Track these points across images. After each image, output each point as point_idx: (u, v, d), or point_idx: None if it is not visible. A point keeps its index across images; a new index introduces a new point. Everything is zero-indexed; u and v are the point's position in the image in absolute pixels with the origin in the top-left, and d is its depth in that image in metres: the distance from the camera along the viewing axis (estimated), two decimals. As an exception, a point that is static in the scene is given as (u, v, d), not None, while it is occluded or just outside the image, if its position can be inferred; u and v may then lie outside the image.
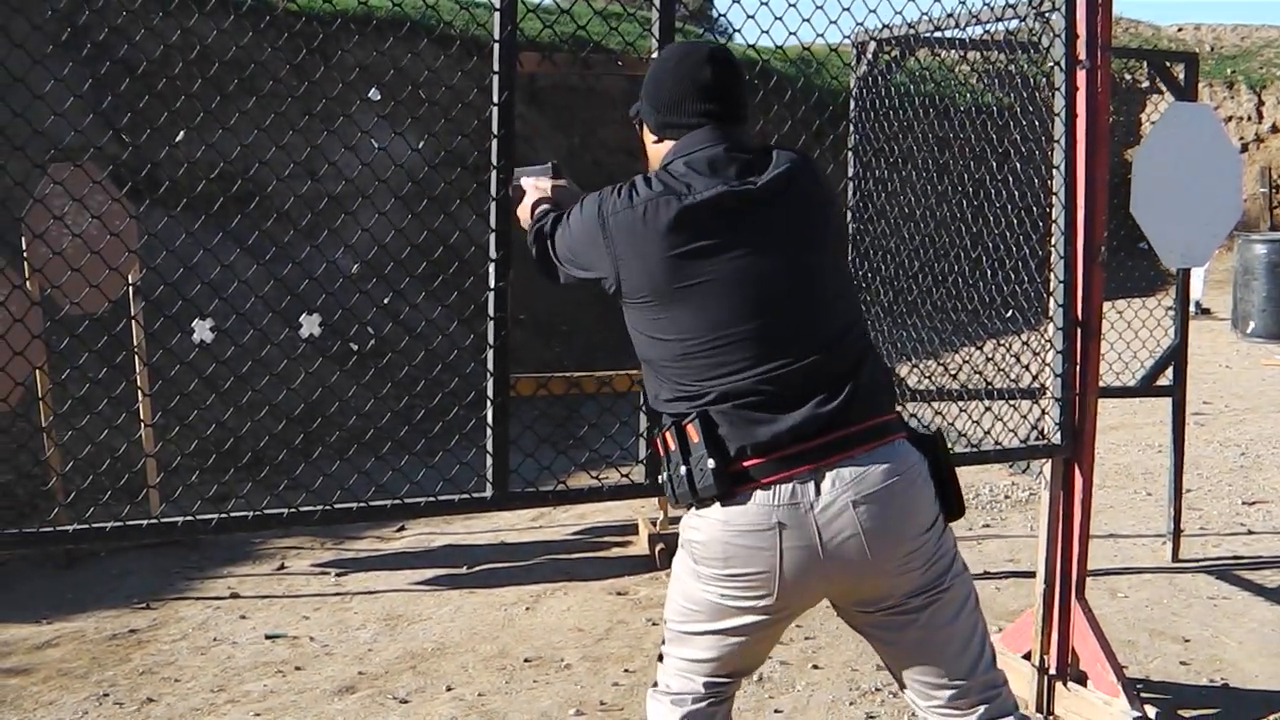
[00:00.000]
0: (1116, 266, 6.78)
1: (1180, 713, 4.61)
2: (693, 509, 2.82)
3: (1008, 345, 4.64)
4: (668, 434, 2.81)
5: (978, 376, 4.75)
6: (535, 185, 3.29)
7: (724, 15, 19.70)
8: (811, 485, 2.70)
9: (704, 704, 2.98)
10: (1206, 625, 5.45)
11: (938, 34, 5.03)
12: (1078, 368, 4.22)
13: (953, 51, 5.26)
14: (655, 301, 2.82)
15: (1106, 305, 6.32)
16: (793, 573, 2.73)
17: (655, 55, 3.59)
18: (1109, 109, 4.35)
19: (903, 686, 2.99)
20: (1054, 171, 4.17)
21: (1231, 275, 15.32)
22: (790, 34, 3.96)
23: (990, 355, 4.77)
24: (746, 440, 2.72)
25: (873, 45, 5.43)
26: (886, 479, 2.72)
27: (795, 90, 4.24)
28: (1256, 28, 27.89)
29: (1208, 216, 5.67)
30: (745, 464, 2.72)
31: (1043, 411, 4.31)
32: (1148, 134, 5.67)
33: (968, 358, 4.92)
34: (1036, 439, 4.27)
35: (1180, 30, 27.79)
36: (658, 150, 3.00)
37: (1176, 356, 6.17)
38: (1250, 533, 6.90)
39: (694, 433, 2.75)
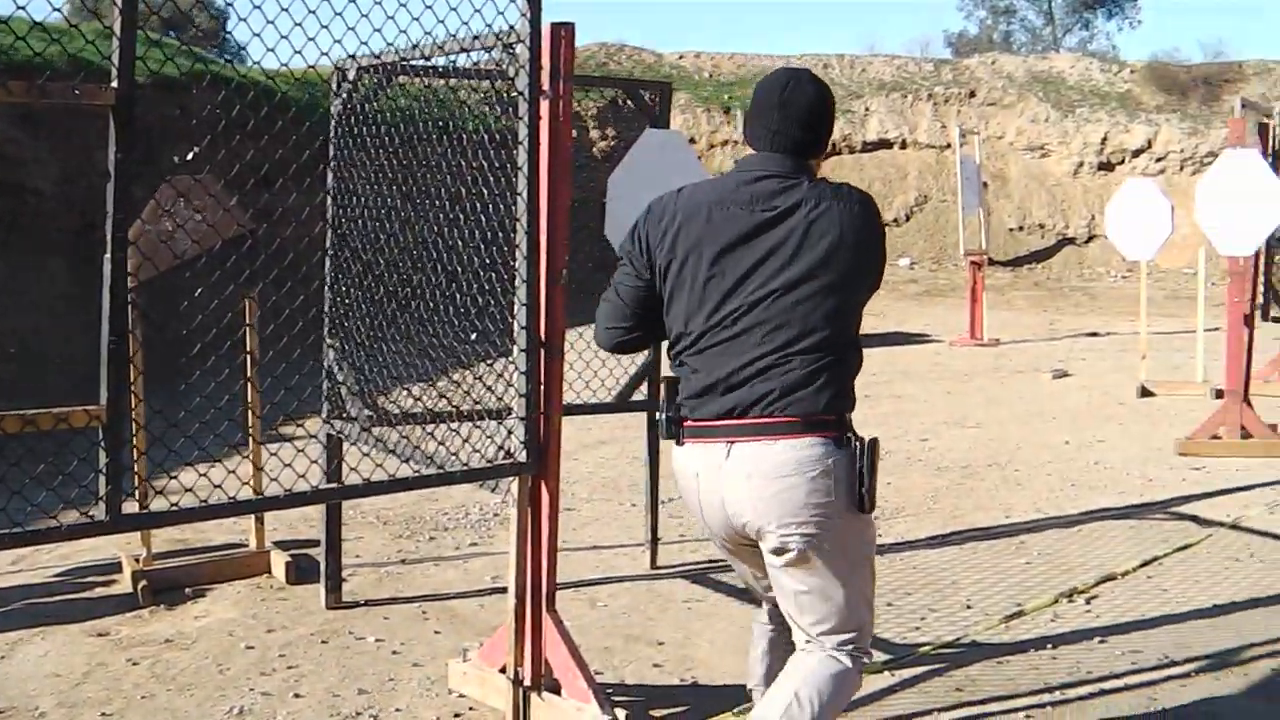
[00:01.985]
0: (602, 288, 7.01)
1: (652, 713, 4.82)
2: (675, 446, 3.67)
3: (476, 367, 4.74)
4: (667, 384, 3.71)
5: (444, 400, 4.83)
6: None
7: (229, 33, 19.34)
8: (724, 449, 3.48)
9: (767, 619, 4.01)
10: (680, 628, 5.72)
11: (420, 62, 5.07)
12: (542, 387, 4.36)
13: (432, 79, 5.32)
14: (666, 273, 3.61)
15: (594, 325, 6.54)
16: (708, 513, 3.60)
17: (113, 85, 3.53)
18: (572, 136, 4.52)
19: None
20: (518, 198, 4.29)
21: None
22: (296, 52, 3.94)
23: (457, 379, 4.86)
24: (689, 408, 3.58)
25: (354, 70, 5.43)
26: (780, 466, 3.41)
27: (277, 113, 4.21)
28: (751, 56, 29.37)
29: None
30: (686, 423, 3.59)
31: (509, 431, 4.42)
32: (622, 160, 5.89)
33: (436, 381, 4.99)
34: (504, 458, 4.38)
35: (681, 58, 28.97)
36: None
37: (651, 372, 6.43)
38: (726, 537, 7.26)
39: (666, 390, 3.69)
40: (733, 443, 3.46)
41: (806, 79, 3.66)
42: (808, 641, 3.63)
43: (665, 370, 3.81)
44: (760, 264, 3.48)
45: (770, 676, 3.85)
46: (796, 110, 3.60)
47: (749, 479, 3.44)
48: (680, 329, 3.60)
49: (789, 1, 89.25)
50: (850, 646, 3.60)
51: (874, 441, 3.49)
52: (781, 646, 3.88)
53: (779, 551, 3.48)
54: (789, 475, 3.41)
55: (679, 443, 3.62)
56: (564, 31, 4.38)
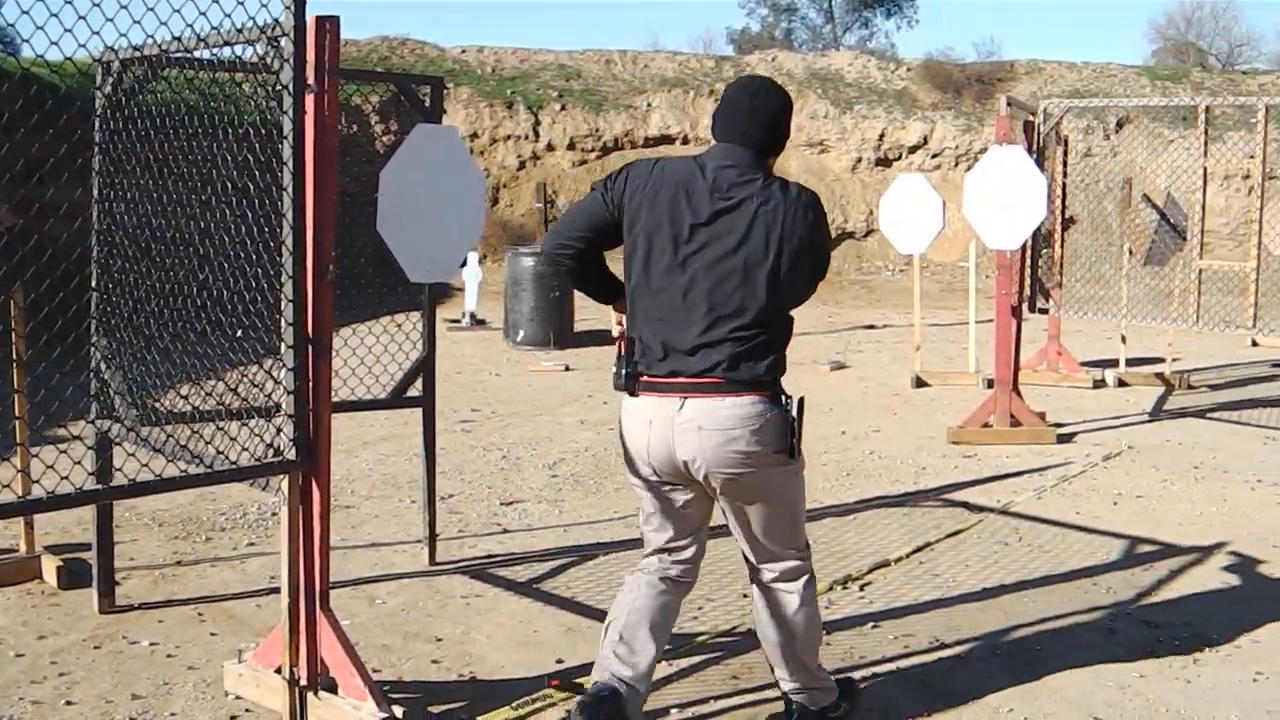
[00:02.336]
0: (381, 283, 6.98)
1: (430, 709, 4.82)
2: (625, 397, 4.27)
3: (246, 366, 4.67)
4: (621, 343, 4.27)
5: (211, 398, 4.76)
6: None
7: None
8: (678, 403, 4.12)
9: (653, 571, 4.46)
10: (459, 623, 5.72)
11: (186, 54, 4.96)
12: (310, 384, 4.32)
13: (199, 73, 5.23)
14: (631, 236, 4.23)
15: (372, 321, 6.50)
16: (655, 454, 4.19)
17: None
18: (337, 131, 4.49)
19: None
20: (283, 193, 4.24)
21: (504, 287, 16.09)
22: (53, 43, 3.85)
23: (227, 378, 4.80)
24: (645, 365, 4.18)
25: (117, 63, 5.30)
26: (727, 420, 4.08)
27: (34, 106, 4.09)
28: (535, 51, 29.30)
29: (452, 233, 5.94)
30: (641, 378, 4.19)
31: (278, 429, 4.37)
32: (395, 155, 5.86)
33: (205, 379, 4.92)
34: (273, 456, 4.33)
35: (464, 52, 28.79)
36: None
37: (426, 367, 6.42)
38: (505, 531, 7.30)
39: (624, 348, 4.24)
40: (686, 398, 4.11)
41: (774, 89, 4.36)
42: (764, 580, 4.49)
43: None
44: (708, 245, 4.13)
45: (637, 621, 4.35)
46: (763, 115, 4.26)
47: (700, 430, 4.09)
48: (632, 287, 4.26)
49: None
50: (794, 576, 4.47)
51: (802, 400, 4.23)
52: (651, 597, 4.41)
53: (724, 490, 4.24)
54: (733, 428, 4.09)
55: (633, 394, 4.23)
56: (329, 25, 4.34)
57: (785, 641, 4.50)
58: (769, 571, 4.47)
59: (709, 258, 4.12)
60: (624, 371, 4.23)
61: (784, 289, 4.19)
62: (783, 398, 4.21)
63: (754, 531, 4.38)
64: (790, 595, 4.46)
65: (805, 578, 4.49)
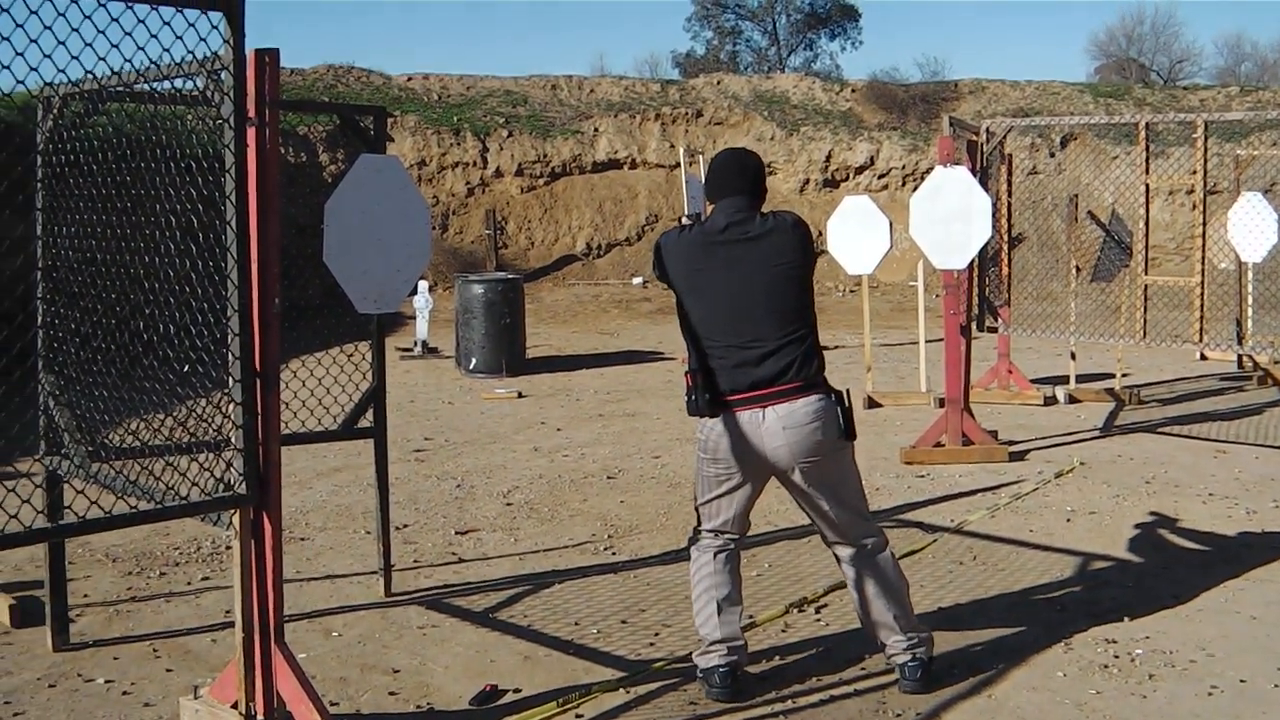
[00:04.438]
0: (330, 313, 6.95)
1: (388, 741, 4.80)
2: (703, 418, 5.09)
3: (193, 400, 4.64)
4: (693, 375, 5.07)
5: (159, 434, 4.73)
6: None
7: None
8: (762, 413, 4.98)
9: (719, 545, 5.28)
10: (415, 654, 5.69)
11: (128, 88, 4.93)
12: (259, 418, 4.30)
13: (142, 107, 5.20)
14: (683, 296, 5.19)
15: (322, 352, 6.47)
16: (748, 460, 5.05)
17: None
18: (279, 163, 4.47)
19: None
20: (227, 227, 4.22)
21: (455, 315, 16.03)
22: None
23: (176, 413, 4.76)
24: (727, 385, 5.01)
25: (58, 98, 5.27)
26: (804, 417, 4.98)
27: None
28: (481, 78, 29.28)
29: (398, 263, 5.93)
30: (726, 398, 5.02)
31: (228, 464, 4.34)
32: (339, 185, 5.84)
33: (154, 415, 4.88)
34: (224, 491, 4.30)
35: (410, 80, 28.73)
36: (710, 207, 5.30)
37: (376, 397, 6.39)
38: (461, 561, 7.27)
39: (694, 380, 5.06)
40: (766, 406, 4.98)
41: (751, 153, 5.46)
42: (866, 552, 5.24)
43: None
44: (743, 276, 5.06)
45: (731, 591, 5.27)
46: (751, 172, 5.28)
47: (785, 430, 4.97)
48: (695, 330, 5.12)
49: (516, 22, 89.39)
50: (872, 542, 5.26)
51: (849, 391, 5.23)
52: (729, 568, 5.28)
53: (807, 477, 5.05)
54: (811, 422, 4.99)
55: (714, 415, 5.05)
56: (268, 58, 4.34)
57: (897, 599, 5.24)
58: (866, 543, 5.25)
59: (748, 284, 5.05)
60: (705, 397, 5.04)
61: (806, 294, 5.17)
62: (833, 393, 5.09)
63: (841, 508, 5.17)
64: (887, 559, 5.28)
65: (888, 547, 5.33)
